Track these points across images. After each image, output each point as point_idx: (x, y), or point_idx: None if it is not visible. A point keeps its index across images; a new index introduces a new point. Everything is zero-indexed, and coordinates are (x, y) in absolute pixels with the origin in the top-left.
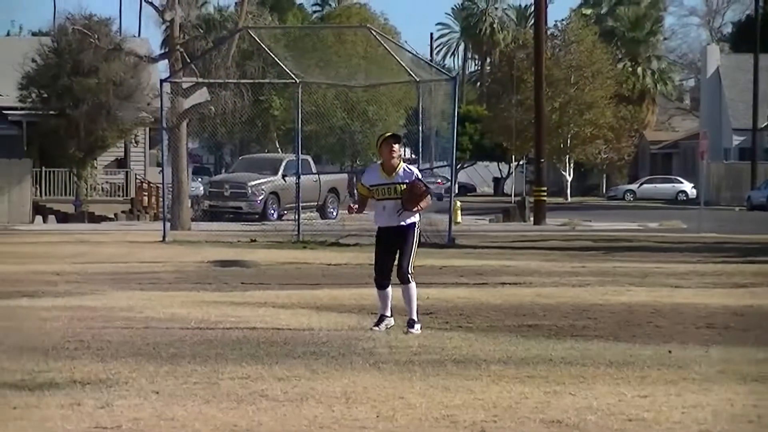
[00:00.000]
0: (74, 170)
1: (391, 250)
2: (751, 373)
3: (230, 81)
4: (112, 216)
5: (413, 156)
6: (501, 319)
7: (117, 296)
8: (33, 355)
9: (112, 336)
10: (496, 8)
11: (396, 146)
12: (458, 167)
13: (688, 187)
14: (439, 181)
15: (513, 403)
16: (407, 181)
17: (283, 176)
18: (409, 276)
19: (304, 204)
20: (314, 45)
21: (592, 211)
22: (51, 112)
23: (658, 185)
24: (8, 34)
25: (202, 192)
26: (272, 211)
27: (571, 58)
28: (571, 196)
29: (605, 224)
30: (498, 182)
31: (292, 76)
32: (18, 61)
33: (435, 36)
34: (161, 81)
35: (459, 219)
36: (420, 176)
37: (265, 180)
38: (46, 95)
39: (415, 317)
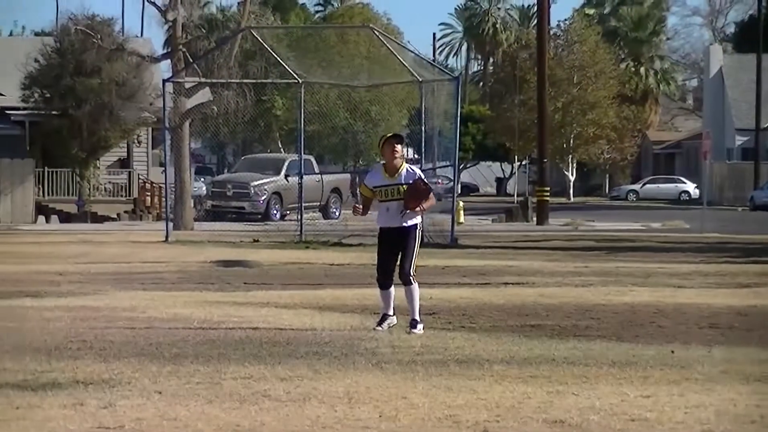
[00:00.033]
0: (77, 170)
1: (393, 251)
2: (754, 373)
3: (233, 81)
4: (115, 216)
5: (416, 156)
6: (504, 319)
7: (120, 296)
8: (36, 355)
9: (114, 336)
10: (499, 8)
11: (398, 146)
12: (461, 167)
13: (690, 187)
14: (439, 180)
15: (516, 403)
16: (410, 181)
17: (286, 176)
18: (411, 278)
19: (307, 204)
20: (317, 45)
21: (595, 211)
22: (54, 112)
23: (660, 185)
24: (11, 34)
25: (205, 192)
26: (275, 211)
27: (574, 58)
28: (573, 196)
29: (608, 224)
30: (501, 182)
31: (295, 76)
32: (21, 61)
33: (438, 36)
34: (164, 81)
35: (462, 219)
36: (423, 177)
37: (268, 180)
38: (48, 95)
39: (417, 317)
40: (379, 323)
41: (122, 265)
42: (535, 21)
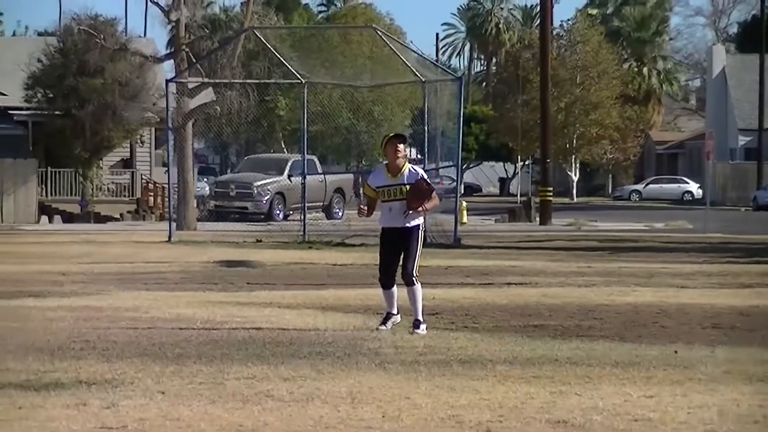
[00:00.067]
0: (80, 170)
1: (395, 251)
2: (757, 373)
3: (236, 81)
4: (118, 216)
5: (419, 156)
6: (507, 320)
7: (123, 296)
8: (38, 355)
9: (117, 336)
10: (502, 8)
11: (401, 146)
12: (464, 167)
13: (693, 187)
14: (440, 181)
15: (519, 404)
16: (412, 182)
17: (289, 176)
18: (414, 278)
19: (310, 204)
20: (320, 45)
21: (598, 212)
22: (57, 112)
23: (663, 185)
24: (14, 34)
25: (208, 192)
26: (278, 212)
27: (577, 58)
28: (576, 197)
29: (611, 224)
30: (504, 182)
31: (298, 76)
32: (24, 61)
33: (441, 36)
34: (167, 81)
35: (465, 219)
36: (426, 177)
37: (271, 180)
38: (51, 95)
39: (420, 317)
40: (383, 322)
41: (125, 265)
42: (538, 21)
